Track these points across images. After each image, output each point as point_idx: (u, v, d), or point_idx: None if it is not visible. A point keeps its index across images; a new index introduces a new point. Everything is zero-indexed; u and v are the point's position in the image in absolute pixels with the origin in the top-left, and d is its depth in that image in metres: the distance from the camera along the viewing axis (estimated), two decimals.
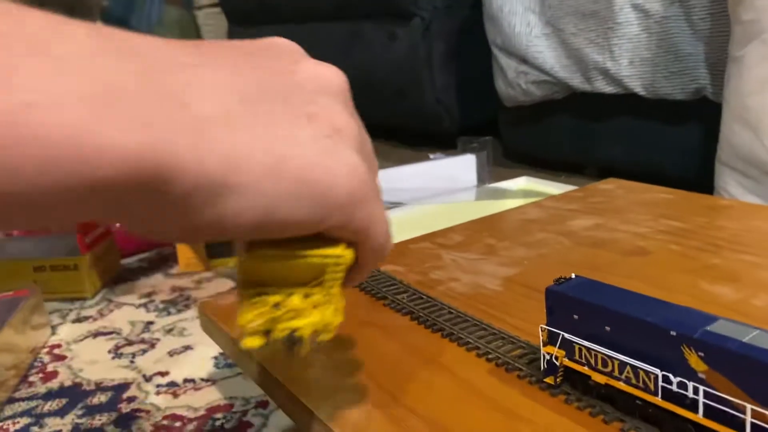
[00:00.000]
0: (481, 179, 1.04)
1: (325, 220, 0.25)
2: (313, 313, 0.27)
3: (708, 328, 0.29)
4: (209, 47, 0.25)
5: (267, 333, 0.27)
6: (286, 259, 0.26)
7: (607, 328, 0.32)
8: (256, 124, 0.23)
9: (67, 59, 0.19)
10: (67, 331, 0.78)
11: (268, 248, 0.26)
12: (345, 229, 0.27)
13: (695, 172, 1.13)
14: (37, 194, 0.19)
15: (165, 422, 0.57)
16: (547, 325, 0.35)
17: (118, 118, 0.19)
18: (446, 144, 1.18)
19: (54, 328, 0.78)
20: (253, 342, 0.27)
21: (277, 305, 0.27)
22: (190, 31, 2.49)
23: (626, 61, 1.17)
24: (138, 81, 0.21)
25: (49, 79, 0.19)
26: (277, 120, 0.24)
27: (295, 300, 0.27)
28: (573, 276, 0.36)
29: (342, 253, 0.27)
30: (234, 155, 0.22)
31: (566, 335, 0.34)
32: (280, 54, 0.28)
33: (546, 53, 1.30)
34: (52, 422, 0.58)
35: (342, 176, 0.25)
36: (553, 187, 0.99)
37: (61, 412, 0.60)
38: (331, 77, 0.28)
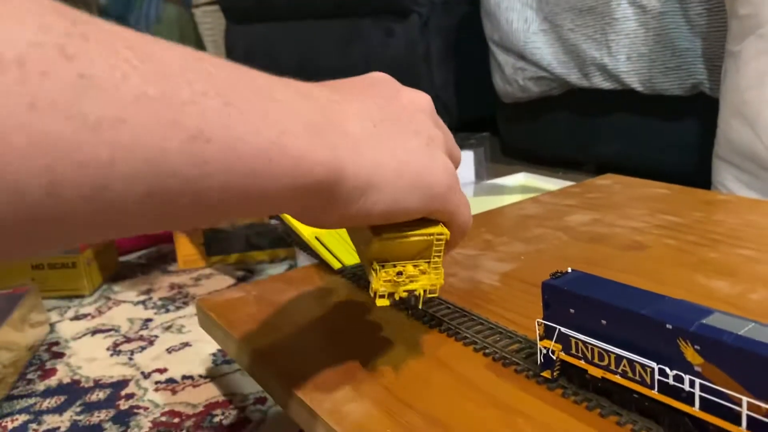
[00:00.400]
0: (479, 175, 1.04)
1: (430, 206, 0.34)
2: (422, 278, 0.36)
3: (704, 321, 0.29)
4: (340, 86, 0.34)
5: (391, 295, 0.36)
6: (406, 239, 0.35)
7: (604, 322, 0.32)
8: (384, 140, 0.32)
9: (286, 102, 0.28)
10: (65, 329, 0.78)
11: (390, 232, 0.35)
12: (442, 212, 0.35)
13: (693, 168, 1.13)
14: (271, 194, 0.26)
15: (163, 419, 0.57)
16: (543, 319, 0.35)
17: (320, 142, 0.28)
18: None
19: (52, 326, 0.78)
20: (383, 302, 0.36)
21: (399, 273, 0.36)
22: (189, 29, 2.49)
23: (624, 56, 1.17)
24: (319, 115, 0.29)
25: (285, 117, 0.27)
26: (396, 136, 0.33)
27: (410, 269, 0.36)
28: (569, 270, 0.36)
29: (443, 231, 0.36)
30: (375, 164, 0.31)
31: (563, 329, 0.34)
32: (384, 85, 0.36)
33: (543, 49, 1.30)
34: (51, 419, 0.58)
35: (439, 174, 0.34)
36: (552, 183, 0.99)
37: (59, 410, 0.60)
38: (422, 100, 0.37)
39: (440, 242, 0.36)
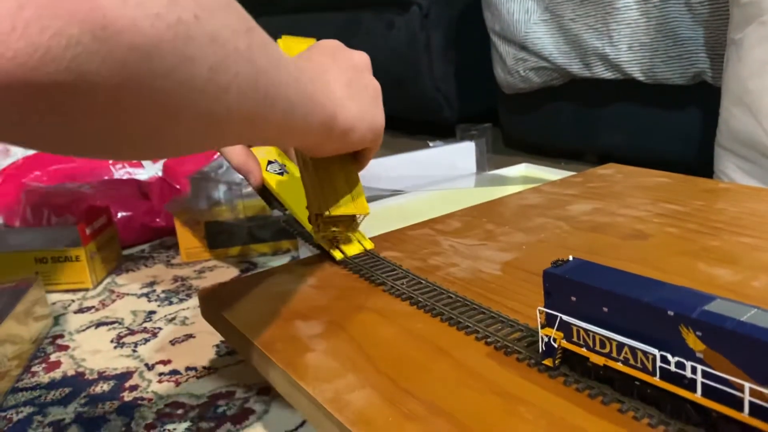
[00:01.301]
0: (481, 166, 1.04)
1: (376, 140, 0.51)
2: (347, 233, 0.57)
3: (705, 307, 0.29)
4: (315, 57, 0.48)
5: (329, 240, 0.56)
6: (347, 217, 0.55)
7: (605, 309, 0.32)
8: (354, 97, 0.47)
9: (302, 77, 0.40)
10: (69, 322, 0.78)
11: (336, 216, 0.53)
12: (376, 145, 0.53)
13: (695, 157, 1.13)
14: (299, 120, 0.40)
15: (167, 410, 0.57)
16: (545, 307, 0.35)
17: (322, 98, 0.43)
18: (446, 133, 1.18)
19: (56, 319, 0.79)
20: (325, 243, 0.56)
21: (334, 230, 0.55)
22: None
23: (625, 46, 1.17)
24: (317, 83, 0.43)
25: (336, 91, 0.45)
26: (358, 94, 0.48)
27: (340, 230, 0.56)
28: (570, 258, 0.36)
29: (367, 210, 0.55)
30: (354, 114, 0.47)
31: (564, 317, 0.34)
32: (340, 52, 0.50)
33: (545, 39, 1.30)
34: (55, 411, 0.59)
35: (381, 118, 0.51)
36: (554, 174, 0.98)
37: (63, 402, 0.60)
38: (366, 60, 0.52)
39: (360, 218, 0.56)
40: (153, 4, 0.23)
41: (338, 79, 0.46)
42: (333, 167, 0.54)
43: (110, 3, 0.22)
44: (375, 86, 0.51)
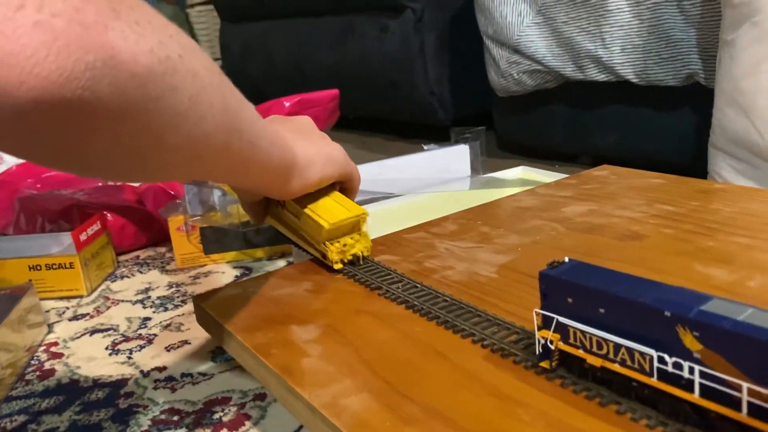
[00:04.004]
0: (475, 169, 1.04)
1: (342, 171, 0.56)
2: (358, 245, 0.56)
3: (702, 307, 0.29)
4: (294, 129, 0.54)
5: (342, 261, 0.55)
6: (344, 221, 0.55)
7: (602, 311, 0.32)
8: (305, 138, 0.53)
9: (277, 131, 0.48)
10: (63, 329, 0.77)
11: (333, 220, 0.54)
12: (349, 173, 0.58)
13: (689, 158, 1.13)
14: (262, 161, 0.46)
15: (163, 416, 0.57)
16: (541, 309, 0.35)
17: (283, 144, 0.49)
18: (440, 136, 1.18)
19: (50, 326, 0.78)
20: (339, 266, 0.55)
21: (344, 245, 0.55)
22: (184, 29, 2.48)
23: (618, 48, 1.17)
24: (280, 136, 0.49)
25: (287, 135, 0.50)
26: (308, 135, 0.55)
27: (349, 240, 0.55)
28: (566, 260, 0.36)
29: (365, 212, 0.56)
30: (310, 150, 0.53)
31: (561, 319, 0.34)
32: (304, 122, 0.58)
33: (537, 42, 1.30)
34: (50, 420, 0.58)
35: (339, 152, 0.56)
36: (549, 177, 0.98)
37: (58, 410, 0.60)
38: (308, 119, 0.59)
39: (364, 219, 0.56)
40: (147, 42, 0.30)
41: (285, 128, 0.52)
42: (316, 194, 0.56)
43: (116, 38, 0.28)
44: (322, 134, 0.58)
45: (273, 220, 0.62)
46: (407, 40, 1.65)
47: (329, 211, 0.55)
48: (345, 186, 0.59)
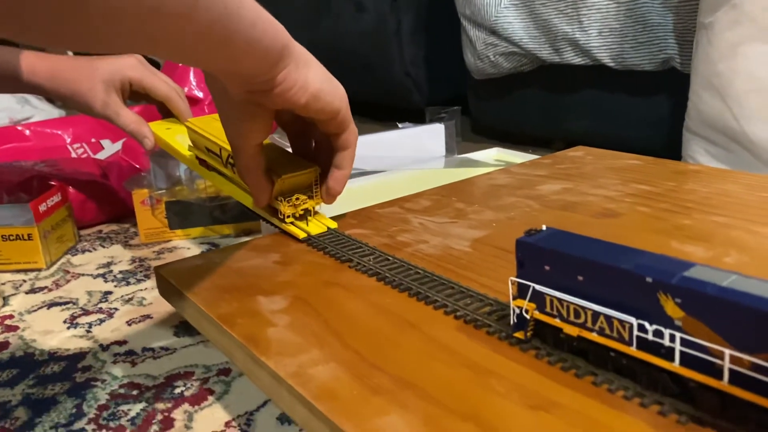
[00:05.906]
0: (450, 149, 1.02)
1: (341, 104, 0.49)
2: (309, 201, 0.54)
3: (685, 273, 0.27)
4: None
5: (294, 216, 0.54)
6: (297, 176, 0.53)
7: (580, 278, 0.31)
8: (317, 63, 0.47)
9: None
10: (20, 302, 0.74)
11: (286, 174, 0.52)
12: (346, 114, 0.50)
13: (663, 144, 1.13)
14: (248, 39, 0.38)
15: (122, 390, 0.55)
16: (517, 277, 0.34)
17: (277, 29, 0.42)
18: (415, 118, 1.16)
19: (6, 299, 0.75)
20: (290, 220, 0.54)
21: (297, 199, 0.54)
22: None
23: (595, 31, 1.16)
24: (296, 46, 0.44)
25: (308, 55, 0.46)
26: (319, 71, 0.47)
27: (302, 196, 0.54)
28: (544, 227, 0.34)
29: (318, 168, 0.54)
30: (312, 60, 0.46)
31: (537, 287, 0.33)
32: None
33: (515, 24, 1.29)
34: (1, 393, 0.56)
35: (341, 88, 0.49)
36: (525, 159, 0.98)
37: (10, 383, 0.57)
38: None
39: (317, 177, 0.54)
40: None
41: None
42: (267, 149, 0.53)
43: None
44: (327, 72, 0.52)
45: (219, 178, 0.61)
46: (383, 19, 1.63)
47: (282, 165, 0.53)
48: (342, 140, 0.52)
